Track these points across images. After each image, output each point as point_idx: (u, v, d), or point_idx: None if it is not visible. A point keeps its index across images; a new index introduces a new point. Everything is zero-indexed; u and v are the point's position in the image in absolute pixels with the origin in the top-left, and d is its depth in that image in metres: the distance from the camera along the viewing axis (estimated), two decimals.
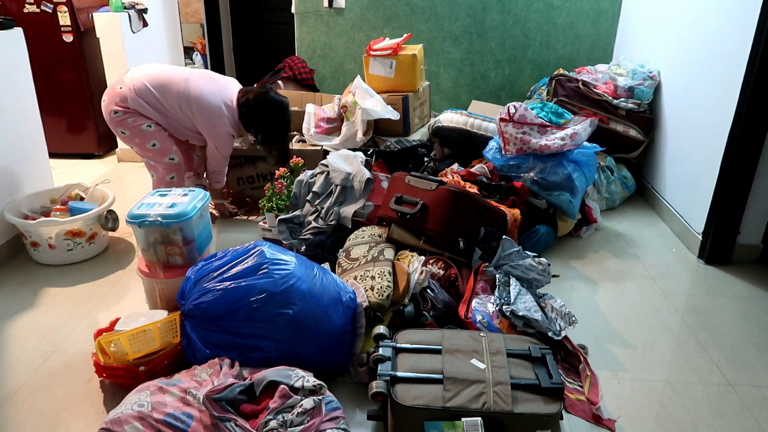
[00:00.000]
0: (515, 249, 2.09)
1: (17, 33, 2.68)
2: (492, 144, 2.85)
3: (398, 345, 1.63)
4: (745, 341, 2.05)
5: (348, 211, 2.47)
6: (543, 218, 2.65)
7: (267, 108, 2.69)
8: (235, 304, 1.66)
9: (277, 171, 2.73)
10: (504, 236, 2.12)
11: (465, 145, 3.17)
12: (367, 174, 2.55)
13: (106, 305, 2.24)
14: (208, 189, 2.93)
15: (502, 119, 2.71)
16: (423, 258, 2.08)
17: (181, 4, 4.90)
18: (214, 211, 3.02)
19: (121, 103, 2.56)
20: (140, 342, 1.74)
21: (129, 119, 2.57)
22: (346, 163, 2.65)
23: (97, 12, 3.66)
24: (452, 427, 1.41)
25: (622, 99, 3.25)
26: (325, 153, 2.98)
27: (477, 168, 2.79)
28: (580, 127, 2.68)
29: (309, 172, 2.68)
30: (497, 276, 1.99)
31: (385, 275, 1.92)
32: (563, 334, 1.83)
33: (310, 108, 3.21)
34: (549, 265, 2.07)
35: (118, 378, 1.73)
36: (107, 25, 3.63)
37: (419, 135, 3.29)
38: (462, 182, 2.62)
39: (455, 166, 2.92)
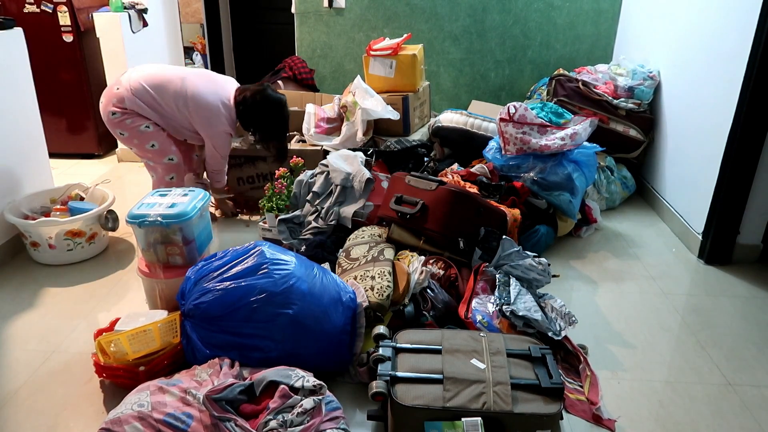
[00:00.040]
0: (515, 249, 2.09)
1: (17, 33, 2.68)
2: (492, 144, 2.85)
3: (398, 345, 1.63)
4: (745, 341, 2.05)
5: (348, 211, 2.47)
6: (543, 218, 2.65)
7: (264, 105, 2.68)
8: (235, 304, 1.66)
9: (277, 171, 2.73)
10: (504, 236, 2.12)
11: (465, 145, 3.17)
12: (367, 174, 2.55)
13: (106, 305, 2.24)
14: (210, 188, 2.93)
15: (502, 119, 2.71)
16: (423, 258, 2.08)
17: (181, 4, 4.90)
18: (215, 211, 3.02)
19: (118, 104, 2.56)
20: (140, 342, 1.74)
21: (127, 120, 2.57)
22: (346, 163, 2.65)
23: (97, 12, 3.66)
24: (452, 427, 1.41)
25: (622, 99, 3.25)
26: (325, 153, 2.98)
27: (477, 168, 2.79)
28: (580, 127, 2.68)
29: (309, 172, 2.68)
30: (497, 276, 1.99)
31: (385, 275, 1.92)
32: (563, 334, 1.83)
33: (310, 108, 3.21)
34: (549, 265, 2.07)
35: (118, 378, 1.73)
36: (107, 25, 3.63)
37: (419, 135, 3.29)
38: (462, 182, 2.62)
39: (455, 166, 2.92)
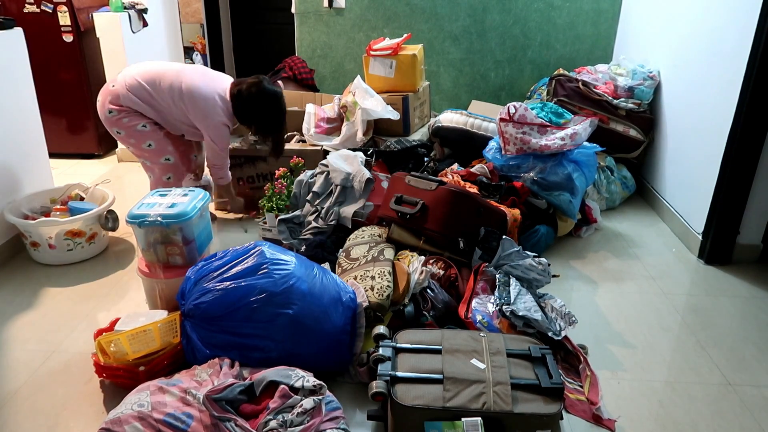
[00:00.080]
0: (515, 249, 2.09)
1: (17, 33, 2.68)
2: (492, 144, 2.85)
3: (398, 345, 1.63)
4: (745, 341, 2.05)
5: (348, 211, 2.47)
6: (543, 218, 2.65)
7: (260, 98, 2.63)
8: (235, 304, 1.66)
9: (277, 171, 2.73)
10: (504, 236, 2.12)
11: (465, 145, 3.17)
12: (367, 174, 2.55)
13: (106, 305, 2.24)
14: (216, 187, 2.91)
15: (502, 119, 2.71)
16: (423, 258, 2.08)
17: (181, 4, 4.90)
18: (214, 212, 3.02)
19: (114, 101, 2.54)
20: (140, 342, 1.74)
21: (124, 119, 2.55)
22: (346, 163, 2.65)
23: (97, 12, 3.66)
24: (452, 427, 1.41)
25: (622, 99, 3.25)
26: (325, 153, 2.98)
27: (477, 168, 2.79)
28: (580, 127, 2.68)
29: (309, 172, 2.68)
30: (497, 276, 1.99)
31: (385, 275, 1.92)
32: (563, 334, 1.83)
33: (310, 108, 3.21)
34: (549, 265, 2.07)
35: (118, 378, 1.73)
36: (107, 25, 3.63)
37: (419, 135, 3.29)
38: (462, 182, 2.62)
39: (455, 166, 2.92)
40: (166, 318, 1.82)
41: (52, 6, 3.55)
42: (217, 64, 5.44)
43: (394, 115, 3.06)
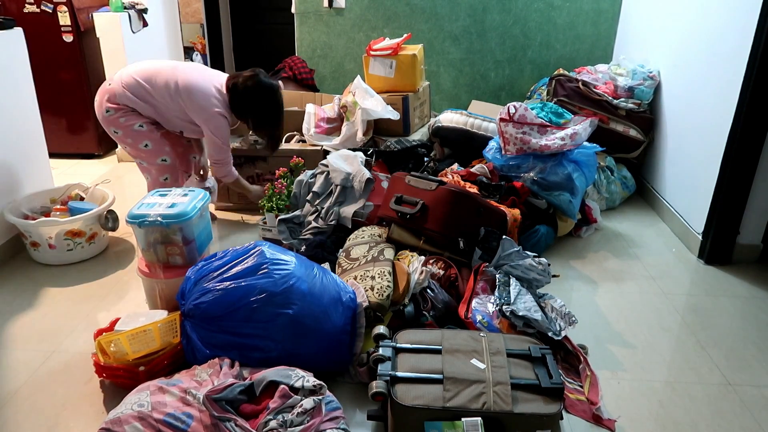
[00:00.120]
0: (515, 249, 2.09)
1: (17, 33, 2.68)
2: (492, 144, 2.85)
3: (398, 345, 1.63)
4: (745, 341, 2.05)
5: (348, 211, 2.47)
6: (543, 218, 2.65)
7: (257, 91, 2.59)
8: (235, 304, 1.66)
9: (277, 171, 2.73)
10: (504, 236, 2.12)
11: (465, 145, 3.17)
12: (367, 174, 2.55)
13: (106, 305, 2.24)
14: (229, 187, 2.89)
15: (502, 119, 2.71)
16: (423, 258, 2.08)
17: (181, 4, 4.90)
18: (214, 212, 3.02)
19: (111, 99, 2.53)
20: (140, 342, 1.74)
21: (121, 118, 2.54)
22: (346, 163, 2.65)
23: (97, 12, 3.66)
24: (452, 427, 1.41)
25: (622, 99, 3.25)
26: (325, 153, 2.98)
27: (477, 168, 2.79)
28: (580, 127, 2.68)
29: (309, 172, 2.68)
30: (497, 276, 1.99)
31: (385, 275, 1.92)
32: (563, 334, 1.83)
33: (310, 108, 3.21)
34: (549, 265, 2.07)
35: (118, 378, 1.73)
36: (107, 25, 3.63)
37: (419, 135, 3.29)
38: (462, 182, 2.62)
39: (455, 166, 2.92)
40: (166, 318, 1.82)
41: (52, 6, 3.55)
42: (217, 64, 5.44)
43: (394, 115, 3.06)
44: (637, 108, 3.22)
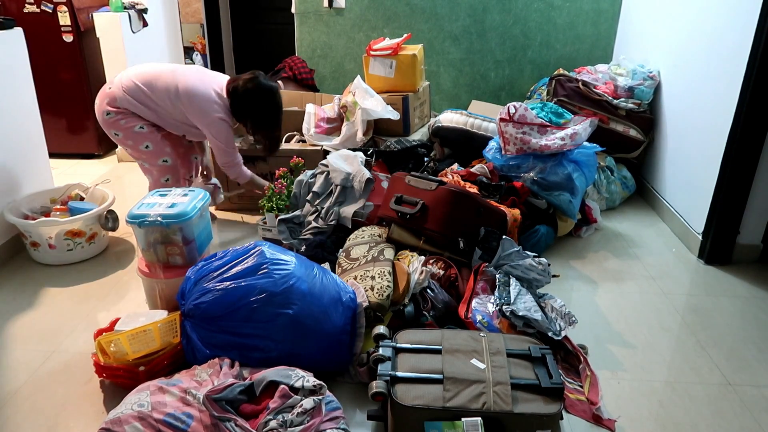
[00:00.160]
0: (515, 249, 2.09)
1: (17, 33, 2.68)
2: (492, 144, 2.85)
3: (398, 345, 1.63)
4: (745, 341, 2.05)
5: (348, 211, 2.47)
6: (543, 218, 2.65)
7: (257, 93, 2.60)
8: (235, 304, 1.66)
9: (277, 171, 2.73)
10: (504, 236, 2.12)
11: (465, 145, 3.17)
12: (367, 174, 2.55)
13: (106, 305, 2.24)
14: (245, 185, 2.88)
15: (502, 119, 2.71)
16: (423, 258, 2.08)
17: (181, 4, 4.90)
18: (214, 212, 3.02)
19: (112, 103, 2.53)
20: (140, 342, 1.74)
21: (121, 121, 2.55)
22: (346, 163, 2.65)
23: (97, 12, 3.66)
24: (452, 427, 1.41)
25: (622, 99, 3.25)
26: (325, 153, 2.98)
27: (477, 168, 2.79)
28: (580, 127, 2.69)
29: (309, 172, 2.68)
30: (497, 276, 1.99)
31: (385, 275, 1.92)
32: (563, 334, 1.83)
33: (310, 108, 3.21)
34: (549, 265, 2.07)
35: (118, 378, 1.73)
36: (107, 25, 3.63)
37: (419, 135, 3.29)
38: (462, 182, 2.62)
39: (455, 166, 2.92)
40: (166, 318, 1.82)
41: (52, 6, 3.55)
42: (217, 64, 5.44)
43: (394, 115, 3.06)
44: (637, 108, 3.22)
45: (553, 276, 2.13)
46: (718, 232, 2.55)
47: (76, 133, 3.89)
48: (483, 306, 1.90)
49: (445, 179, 2.52)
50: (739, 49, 2.39)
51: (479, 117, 3.16)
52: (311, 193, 2.58)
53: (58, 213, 2.55)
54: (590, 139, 2.85)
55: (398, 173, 2.37)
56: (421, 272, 1.96)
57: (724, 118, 2.47)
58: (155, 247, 2.01)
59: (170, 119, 2.61)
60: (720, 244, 2.57)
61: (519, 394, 1.48)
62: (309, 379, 1.53)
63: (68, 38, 3.63)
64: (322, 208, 2.51)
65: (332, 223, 2.45)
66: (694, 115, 2.80)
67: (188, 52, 5.21)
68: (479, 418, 1.41)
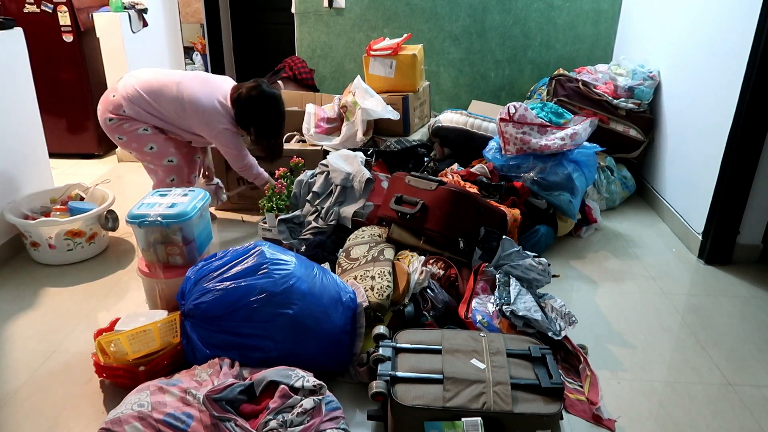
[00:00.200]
0: (515, 249, 2.09)
1: (17, 33, 2.68)
2: (492, 144, 2.85)
3: (398, 345, 1.63)
4: (745, 341, 2.05)
5: (348, 211, 2.47)
6: (543, 218, 2.65)
7: (260, 101, 2.63)
8: (235, 304, 1.66)
9: (277, 171, 2.73)
10: (504, 236, 2.12)
11: (465, 145, 3.17)
12: (367, 174, 2.55)
13: (106, 305, 2.24)
14: (259, 185, 2.89)
15: (502, 119, 2.71)
16: (423, 258, 2.08)
17: (181, 4, 4.90)
18: (214, 212, 3.01)
19: (115, 110, 2.54)
20: (140, 342, 1.74)
21: (125, 125, 2.55)
22: (346, 163, 2.65)
23: (97, 12, 3.66)
24: (452, 427, 1.41)
25: (622, 99, 3.25)
26: (325, 153, 2.98)
27: (477, 168, 2.79)
28: (580, 127, 2.69)
29: (309, 172, 2.68)
30: (497, 276, 1.99)
31: (385, 275, 1.92)
32: (563, 334, 1.83)
33: (310, 108, 3.21)
34: (549, 265, 2.07)
35: (118, 378, 1.73)
36: (107, 25, 3.63)
37: (419, 135, 3.29)
38: (462, 182, 2.62)
39: (455, 166, 2.92)
40: (166, 318, 1.82)
41: (52, 6, 3.55)
42: (217, 64, 5.44)
43: (394, 115, 3.06)
44: (637, 108, 3.22)
45: (553, 276, 2.13)
46: (718, 232, 2.55)
47: (76, 133, 3.89)
48: (483, 306, 1.90)
49: (445, 179, 2.52)
50: (739, 49, 2.39)
51: (479, 117, 3.16)
52: (311, 193, 2.58)
53: (58, 213, 2.55)
54: (590, 139, 2.85)
55: (398, 173, 2.37)
56: (421, 272, 1.96)
57: (724, 118, 2.47)
58: (155, 247, 2.01)
59: (175, 128, 2.64)
60: (720, 244, 2.57)
61: (519, 394, 1.48)
62: (309, 379, 1.53)
63: (68, 38, 3.63)
64: (322, 208, 2.51)
65: (332, 223, 2.45)
66: (694, 115, 2.80)
67: (188, 52, 5.21)
68: (479, 418, 1.41)
